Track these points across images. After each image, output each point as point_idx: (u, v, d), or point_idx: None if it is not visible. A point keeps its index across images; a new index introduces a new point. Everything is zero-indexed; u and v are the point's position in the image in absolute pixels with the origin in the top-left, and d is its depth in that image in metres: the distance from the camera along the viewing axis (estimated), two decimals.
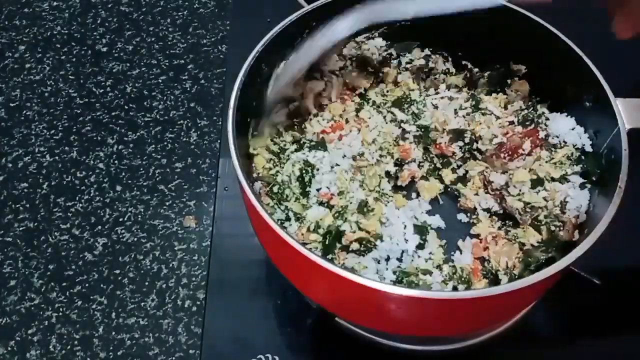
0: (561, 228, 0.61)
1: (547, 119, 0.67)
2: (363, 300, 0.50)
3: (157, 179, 1.06)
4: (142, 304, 0.91)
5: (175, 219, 1.01)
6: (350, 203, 0.62)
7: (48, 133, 1.12)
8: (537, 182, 0.64)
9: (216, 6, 1.31)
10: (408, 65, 0.74)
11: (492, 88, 0.73)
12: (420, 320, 0.55)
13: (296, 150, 0.66)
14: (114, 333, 0.89)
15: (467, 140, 0.68)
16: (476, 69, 0.74)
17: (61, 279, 0.94)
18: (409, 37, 0.73)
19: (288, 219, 0.61)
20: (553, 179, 0.63)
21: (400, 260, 0.61)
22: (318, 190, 0.62)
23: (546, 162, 0.65)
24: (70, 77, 1.20)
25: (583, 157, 0.64)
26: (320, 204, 0.62)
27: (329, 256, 0.59)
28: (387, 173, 0.68)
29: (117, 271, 0.95)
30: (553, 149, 0.66)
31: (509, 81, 0.72)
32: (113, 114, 1.15)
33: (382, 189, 0.66)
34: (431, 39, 0.73)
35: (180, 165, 1.08)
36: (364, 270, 0.58)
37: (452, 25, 0.67)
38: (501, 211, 0.66)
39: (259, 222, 0.51)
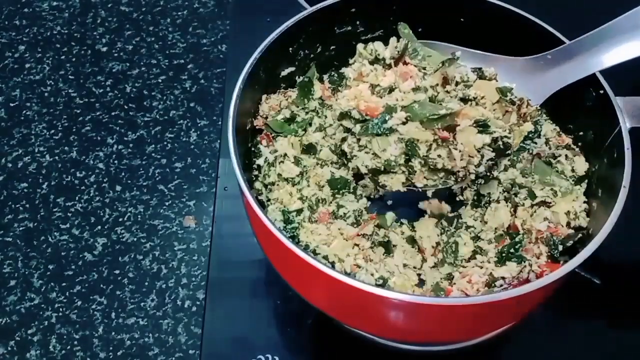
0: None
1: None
2: (361, 305, 0.50)
3: (157, 179, 1.06)
4: (142, 304, 0.91)
5: (175, 219, 1.00)
6: None
7: (48, 133, 1.12)
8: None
9: (216, 6, 1.31)
10: None
11: None
12: (419, 327, 0.54)
13: None
14: (113, 333, 0.89)
15: None
16: None
17: (61, 279, 0.94)
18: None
19: None
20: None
21: None
22: None
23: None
24: (70, 77, 1.20)
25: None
26: None
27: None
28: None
29: (117, 271, 0.95)
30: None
31: None
32: (113, 113, 1.15)
33: None
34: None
35: (180, 165, 1.07)
36: None
37: (450, 25, 0.67)
38: None
39: (258, 224, 0.51)
